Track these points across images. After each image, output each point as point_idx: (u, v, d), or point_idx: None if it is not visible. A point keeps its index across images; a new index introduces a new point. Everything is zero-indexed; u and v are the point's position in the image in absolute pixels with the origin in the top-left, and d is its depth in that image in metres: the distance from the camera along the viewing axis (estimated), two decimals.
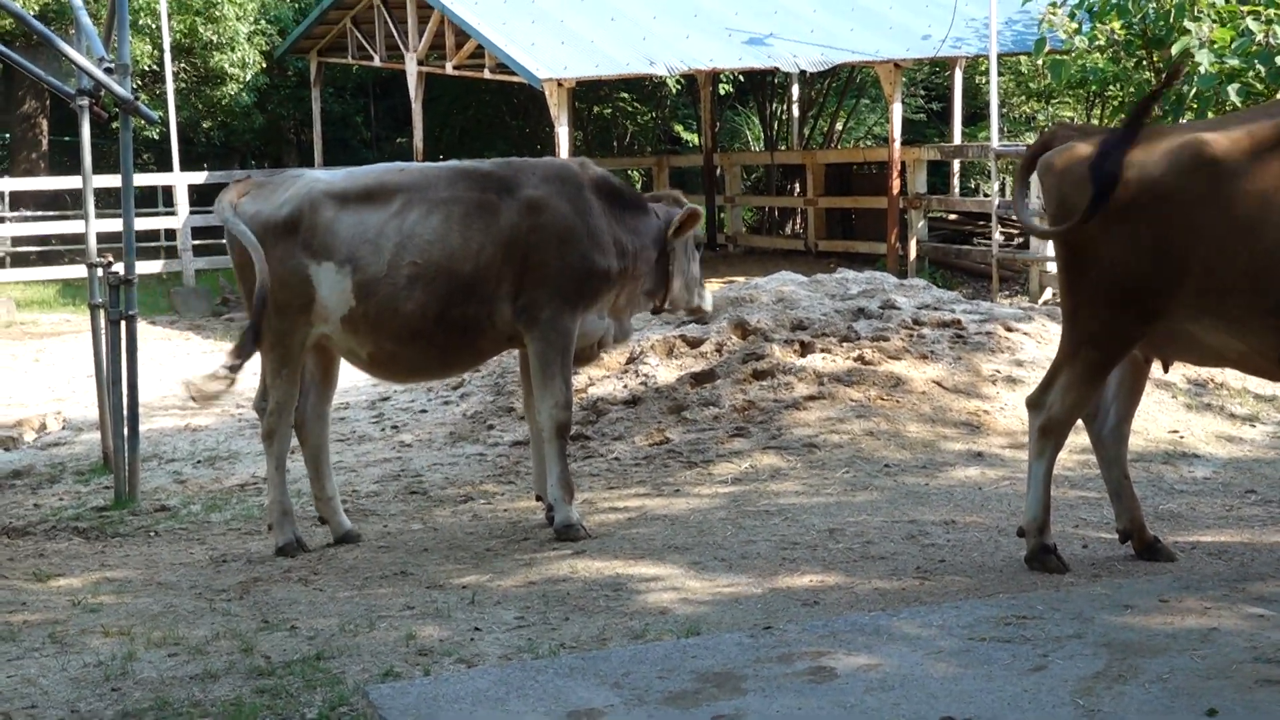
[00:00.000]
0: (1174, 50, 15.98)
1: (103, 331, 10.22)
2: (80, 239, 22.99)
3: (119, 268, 9.86)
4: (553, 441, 7.69)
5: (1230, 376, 10.51)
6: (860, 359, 10.35)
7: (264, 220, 7.65)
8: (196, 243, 23.05)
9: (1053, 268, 16.58)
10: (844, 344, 10.57)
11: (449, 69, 21.61)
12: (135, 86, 9.67)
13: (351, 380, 14.06)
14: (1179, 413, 10.06)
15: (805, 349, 10.52)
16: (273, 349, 7.77)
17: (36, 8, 22.84)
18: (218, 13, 24.72)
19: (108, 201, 21.31)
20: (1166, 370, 7.16)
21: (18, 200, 25.29)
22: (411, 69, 21.89)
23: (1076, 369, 6.66)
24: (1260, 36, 15.35)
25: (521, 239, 7.53)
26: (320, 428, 8.07)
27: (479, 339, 7.69)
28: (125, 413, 9.50)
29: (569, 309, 7.59)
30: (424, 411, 11.48)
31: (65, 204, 26.00)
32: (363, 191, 7.68)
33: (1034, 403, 6.80)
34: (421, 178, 7.73)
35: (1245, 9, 15.81)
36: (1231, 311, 6.37)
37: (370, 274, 7.50)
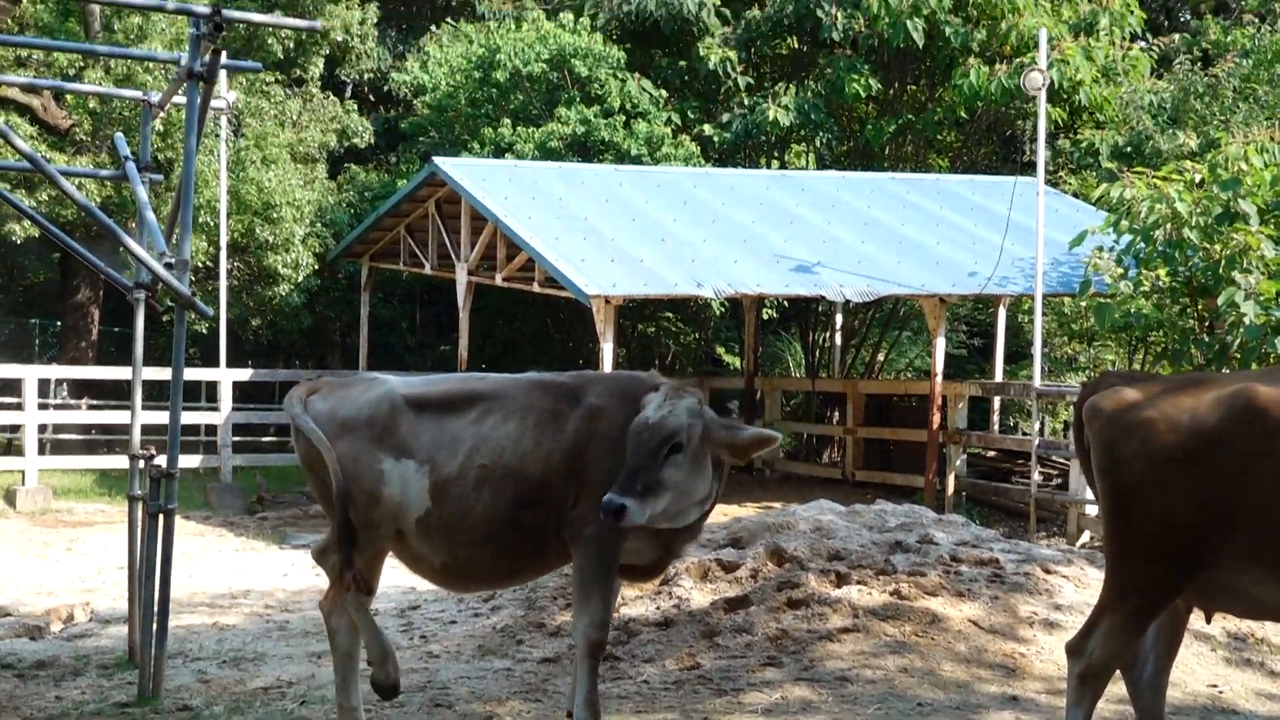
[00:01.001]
0: (1220, 300, 16.11)
1: (139, 524, 10.24)
2: (120, 429, 23.23)
3: (161, 460, 9.90)
4: (584, 660, 7.63)
5: (1271, 631, 10.36)
6: (896, 593, 10.26)
7: (341, 419, 7.75)
8: (237, 439, 23.21)
9: (1091, 510, 16.52)
10: (880, 577, 10.49)
11: (498, 280, 21.92)
12: (190, 282, 9.82)
13: (380, 585, 14.05)
14: (1218, 666, 9.90)
15: (841, 580, 10.44)
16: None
17: (98, 200, 23.32)
18: (276, 214, 25.18)
19: (151, 393, 21.51)
20: (1209, 621, 7.08)
21: (62, 388, 25.58)
22: (461, 278, 22.20)
23: (1119, 616, 6.59)
24: None
25: (581, 446, 7.58)
26: (355, 634, 8.05)
27: (547, 548, 7.68)
28: (155, 607, 9.47)
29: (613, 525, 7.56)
30: (453, 622, 11.40)
31: (109, 394, 26.24)
32: (443, 397, 7.81)
33: (1074, 648, 6.72)
34: (500, 386, 7.86)
35: None
36: None
37: (444, 474, 7.57)
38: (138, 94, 13.42)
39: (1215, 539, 6.38)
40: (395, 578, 14.52)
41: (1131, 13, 28.09)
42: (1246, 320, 15.69)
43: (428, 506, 7.63)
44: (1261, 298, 15.78)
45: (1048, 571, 10.93)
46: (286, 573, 15.06)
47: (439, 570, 7.84)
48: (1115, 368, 22.72)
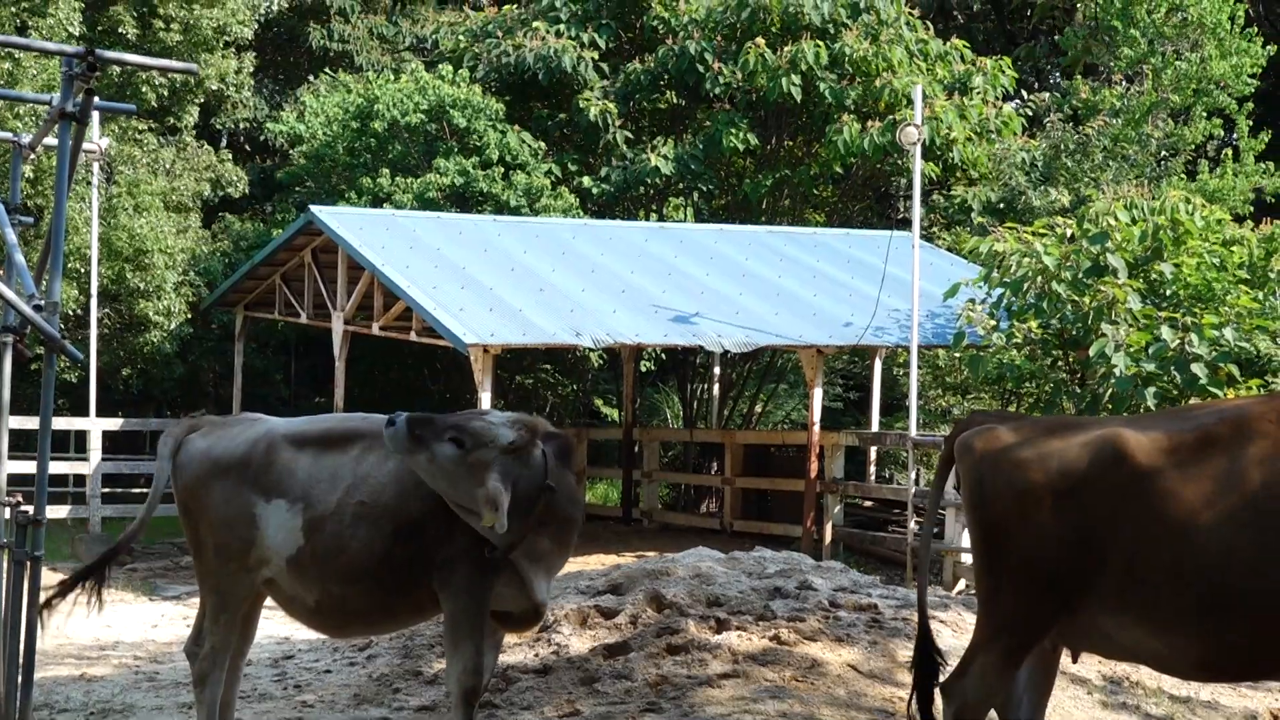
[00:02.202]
0: (1090, 352, 16.39)
1: (3, 573, 9.97)
2: None
3: (28, 508, 9.66)
4: (459, 708, 7.54)
5: (1146, 674, 10.48)
6: (776, 639, 10.26)
7: (215, 457, 7.63)
8: (106, 489, 22.77)
9: (967, 558, 16.66)
10: (760, 623, 10.49)
11: (375, 329, 21.75)
12: (60, 329, 9.62)
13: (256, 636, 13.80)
14: (1094, 710, 10.00)
15: (721, 626, 10.43)
16: (213, 592, 7.66)
17: None
18: (147, 261, 24.83)
19: (18, 445, 21.03)
20: (1075, 660, 7.15)
21: None
22: (338, 328, 22.00)
23: (992, 655, 6.63)
24: (1174, 344, 15.78)
25: None
26: (232, 681, 7.91)
27: (421, 588, 7.54)
28: (20, 659, 9.21)
29: (485, 572, 7.49)
30: (328, 671, 11.23)
31: None
32: (323, 434, 7.70)
33: (949, 689, 6.76)
34: (382, 425, 7.76)
35: (1162, 315, 16.27)
36: (1150, 613, 6.38)
37: (319, 511, 7.45)
38: (7, 134, 13.20)
39: (1082, 581, 6.45)
40: (269, 627, 14.31)
41: (1004, 73, 28.62)
42: (1117, 371, 15.96)
43: (300, 544, 7.51)
44: (1131, 349, 16.06)
45: None
46: (156, 624, 14.76)
47: (313, 610, 7.71)
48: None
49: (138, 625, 14.66)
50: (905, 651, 10.38)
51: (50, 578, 16.61)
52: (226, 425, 7.98)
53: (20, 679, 9.15)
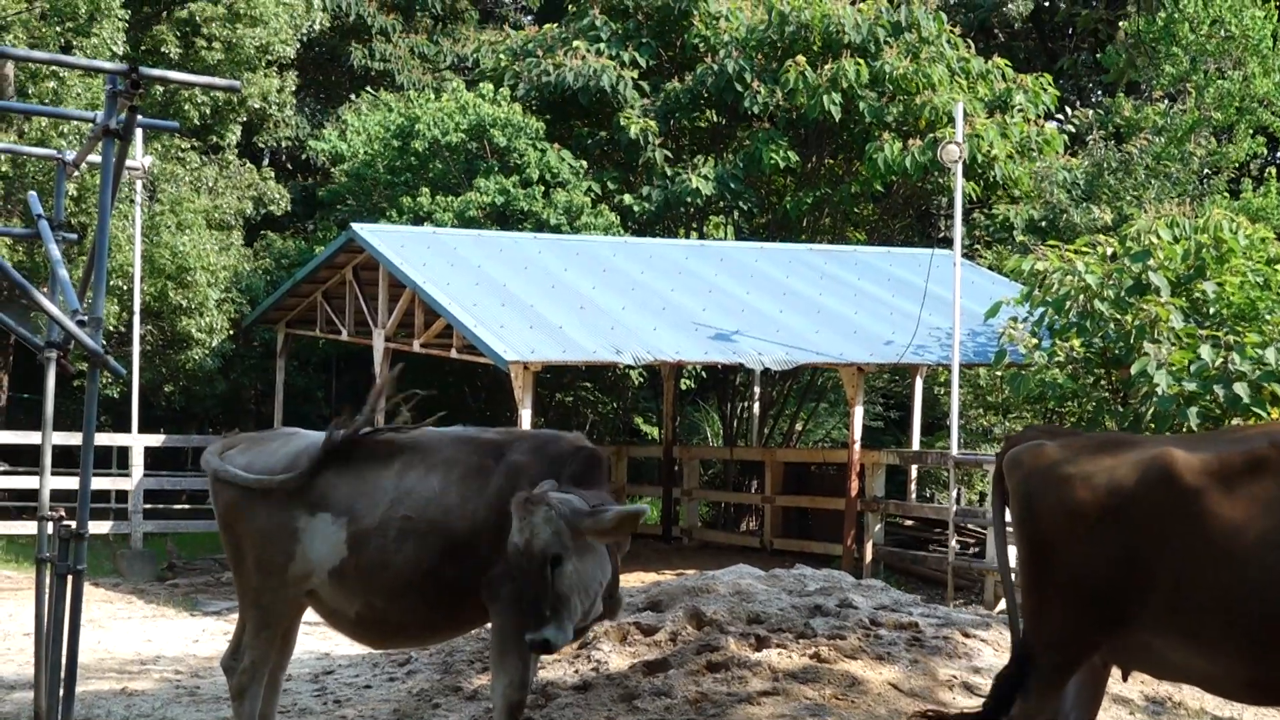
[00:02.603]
0: (1132, 371, 16.29)
1: (46, 586, 10.03)
2: (28, 495, 22.83)
3: (70, 521, 9.71)
4: (500, 717, 7.53)
5: (1189, 695, 10.40)
6: (816, 656, 10.22)
7: (257, 473, 7.66)
8: (148, 505, 22.89)
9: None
10: (800, 640, 10.45)
11: (416, 346, 21.79)
12: (103, 348, 9.68)
13: (295, 653, 13.84)
14: None
15: (761, 643, 10.39)
16: (254, 606, 7.67)
17: (9, 263, 23.01)
18: (190, 278, 24.97)
19: (61, 461, 21.15)
20: (1126, 678, 7.09)
21: None
22: (379, 345, 22.07)
23: (1038, 671, 6.58)
24: (1217, 363, 15.69)
25: (504, 503, 7.44)
26: (271, 695, 7.92)
27: (465, 605, 7.57)
28: (62, 672, 9.25)
29: None
30: (368, 687, 11.24)
31: (17, 461, 25.81)
32: (365, 449, 7.72)
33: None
34: (423, 439, 7.77)
35: (1204, 333, 16.17)
36: (1200, 634, 6.33)
37: (364, 525, 7.47)
38: (51, 152, 13.29)
39: (1130, 600, 6.40)
40: (310, 643, 14.36)
41: (1045, 90, 28.53)
42: (1159, 390, 15.87)
43: (344, 557, 7.53)
44: (1173, 368, 15.96)
45: (966, 635, 10.94)
46: (197, 639, 14.82)
47: (354, 622, 7.73)
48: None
49: (179, 640, 14.73)
50: (946, 670, 10.33)
51: (91, 592, 16.76)
52: (264, 441, 8.02)
53: (62, 692, 9.19)
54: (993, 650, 10.63)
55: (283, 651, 8.03)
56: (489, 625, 7.86)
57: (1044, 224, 26.72)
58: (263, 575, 7.66)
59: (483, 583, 7.48)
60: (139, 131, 19.73)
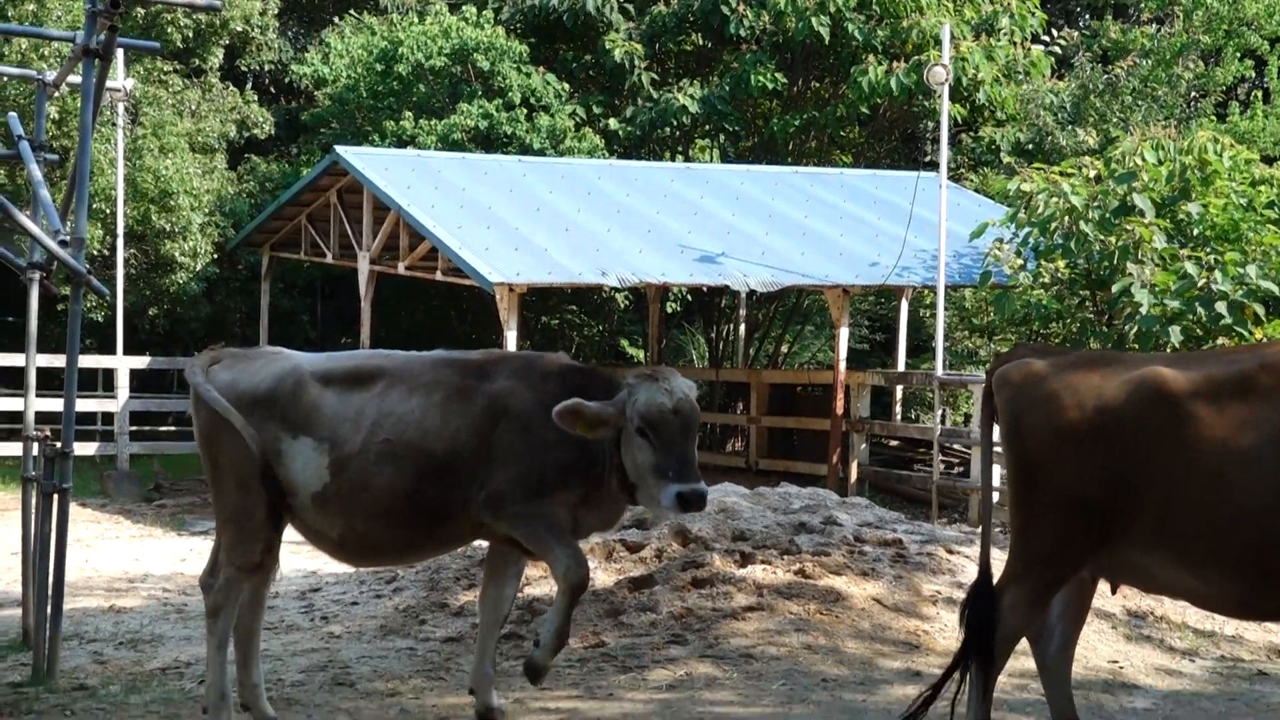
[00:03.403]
0: (1115, 290, 16.32)
1: (33, 505, 10.05)
2: (12, 418, 22.79)
3: (56, 442, 9.72)
4: (563, 595, 7.46)
5: (1170, 609, 10.49)
6: (801, 572, 10.29)
7: (240, 391, 7.63)
8: (134, 427, 22.90)
9: (993, 496, 16.64)
10: (785, 557, 10.51)
11: (401, 269, 21.74)
12: (86, 268, 9.64)
13: (281, 568, 13.88)
14: (1118, 643, 10.02)
15: (746, 560, 10.45)
16: (231, 524, 7.66)
17: None
18: (173, 202, 24.85)
19: (47, 384, 21.12)
20: (1114, 592, 7.12)
21: None
22: (364, 268, 22.01)
23: (1024, 588, 6.60)
24: (1200, 281, 15.71)
25: (489, 424, 7.49)
26: (256, 612, 7.93)
27: (446, 524, 7.59)
28: (49, 588, 9.28)
29: (534, 496, 7.50)
30: (355, 603, 11.29)
31: (2, 384, 25.78)
32: (348, 372, 7.70)
33: None
34: (406, 362, 7.76)
35: (1186, 253, 16.19)
36: (1189, 551, 6.35)
37: (345, 450, 7.46)
38: (31, 73, 13.20)
39: (1118, 518, 6.41)
40: (297, 561, 14.39)
41: (1032, 14, 28.36)
42: (1142, 310, 15.89)
43: (325, 481, 7.52)
44: (1157, 288, 15.98)
45: (950, 552, 11.02)
46: (185, 558, 14.86)
47: (336, 543, 7.73)
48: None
49: (166, 559, 14.77)
50: (929, 585, 10.41)
51: (78, 512, 16.78)
52: (249, 358, 7.96)
53: (50, 609, 9.24)
54: (976, 566, 10.67)
55: (269, 574, 8.03)
56: (474, 544, 7.90)
57: (1030, 146, 26.66)
58: (242, 494, 7.64)
59: (482, 505, 7.46)
60: (120, 53, 19.61)
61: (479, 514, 7.49)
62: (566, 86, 27.42)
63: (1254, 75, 30.52)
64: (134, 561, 14.55)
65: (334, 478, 7.52)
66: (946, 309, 20.36)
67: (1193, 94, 28.19)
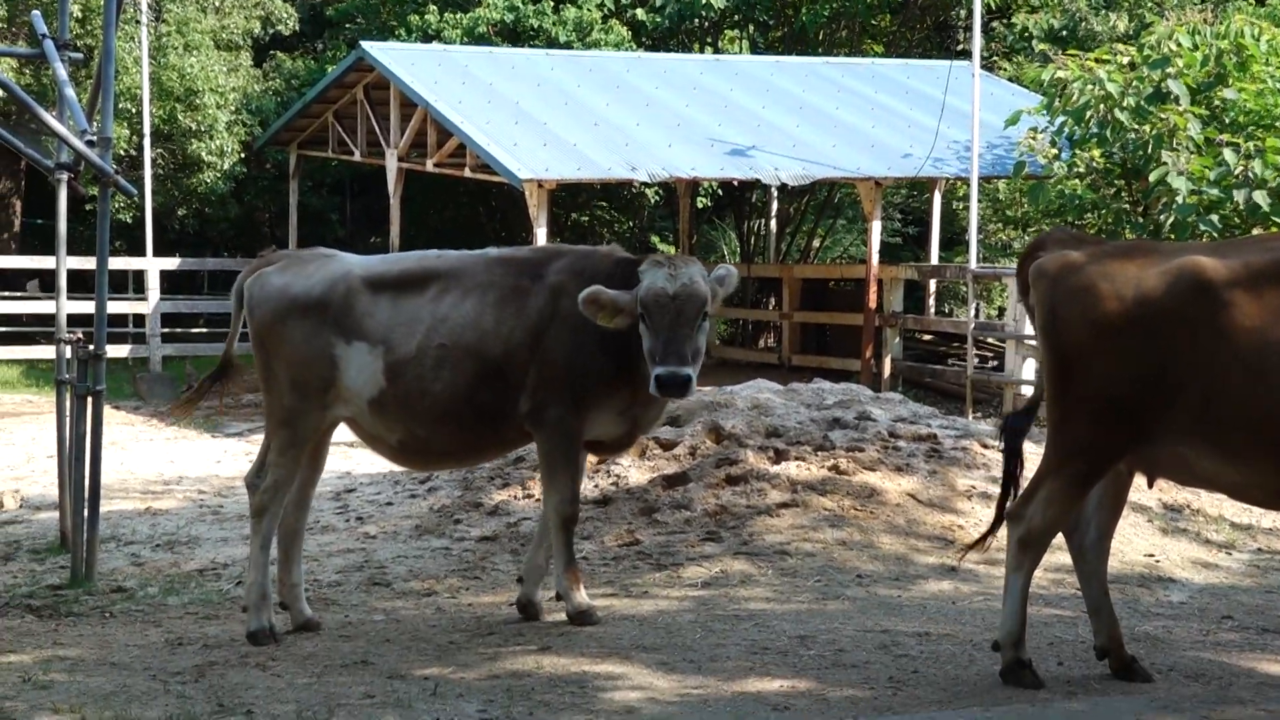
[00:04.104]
0: (1151, 179, 16.14)
1: (67, 408, 10.10)
2: (47, 320, 22.91)
3: (89, 345, 9.75)
4: (557, 534, 7.65)
5: (1207, 502, 10.48)
6: (834, 468, 10.29)
7: (293, 295, 7.63)
8: (165, 330, 22.99)
9: (1027, 391, 16.61)
10: (818, 453, 10.51)
11: (429, 166, 21.67)
12: (113, 168, 9.62)
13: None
14: (1154, 536, 10.01)
15: (779, 456, 10.45)
16: (283, 427, 7.68)
17: (18, 85, 22.80)
18: (199, 100, 24.77)
19: (78, 285, 21.18)
20: (1151, 486, 7.10)
21: None
22: (392, 165, 21.93)
23: (1060, 481, 6.57)
24: (1238, 169, 15.53)
25: (543, 324, 7.51)
26: (300, 512, 7.97)
27: (506, 426, 7.64)
28: (86, 491, 9.35)
29: (573, 407, 7.52)
30: (390, 504, 11.35)
31: (36, 285, 25.89)
32: (401, 275, 7.69)
33: (1014, 514, 6.73)
34: (459, 263, 7.73)
35: (1224, 139, 15.98)
36: (1229, 443, 6.31)
37: (400, 355, 7.47)
38: None
39: (1157, 411, 6.35)
40: (331, 462, 14.47)
41: None
42: (1179, 199, 15.72)
43: (382, 387, 7.55)
44: (1193, 176, 15.80)
45: (985, 446, 11.00)
46: (220, 460, 14.96)
47: (396, 448, 7.78)
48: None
49: (201, 461, 14.87)
50: (964, 480, 10.40)
51: (111, 415, 16.88)
52: (303, 262, 7.93)
53: (87, 511, 9.32)
54: None
55: (314, 467, 8.06)
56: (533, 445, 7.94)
57: (1063, 33, 26.27)
58: (296, 397, 7.64)
59: (526, 407, 7.50)
60: None
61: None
62: None
63: None
64: (169, 464, 14.65)
65: (390, 383, 7.54)
66: (980, 201, 20.21)
67: None
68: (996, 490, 10.12)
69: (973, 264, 19.13)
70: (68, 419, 10.07)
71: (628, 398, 7.62)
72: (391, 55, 21.74)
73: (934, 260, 22.33)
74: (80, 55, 12.05)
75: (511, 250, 8.09)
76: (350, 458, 13.62)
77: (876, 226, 20.54)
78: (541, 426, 7.55)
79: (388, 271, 7.82)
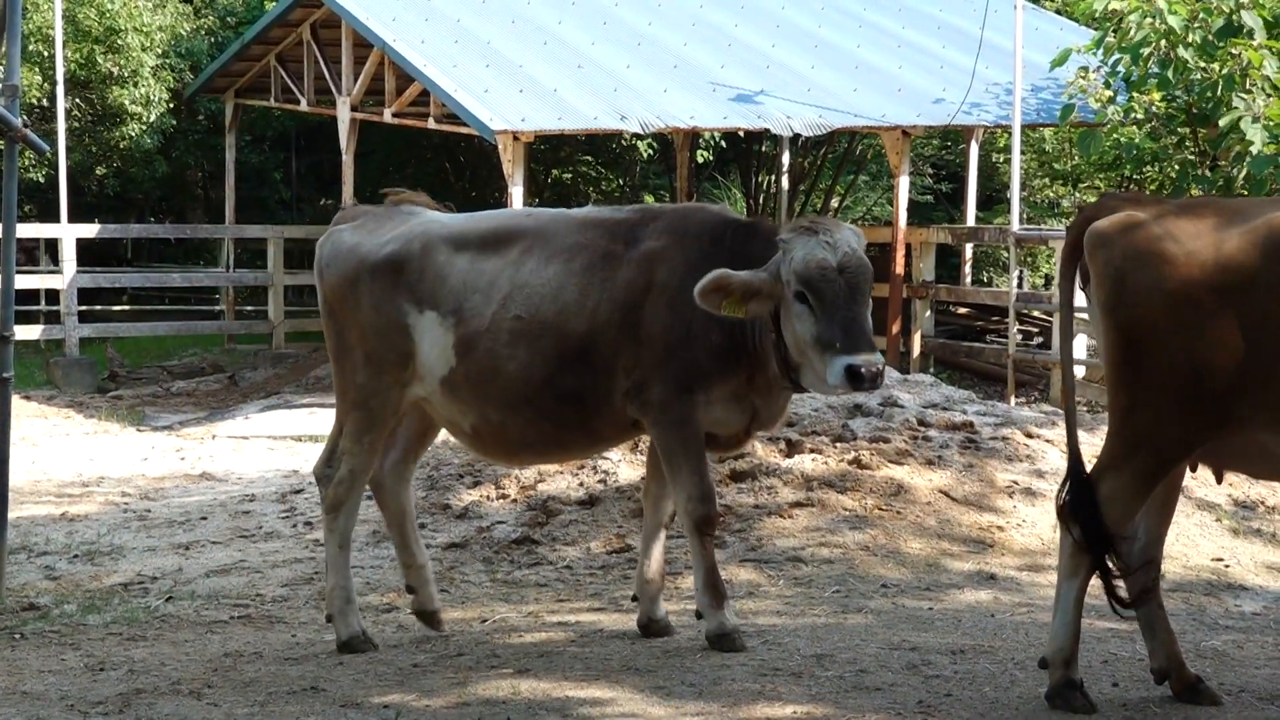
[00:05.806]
0: (1220, 126, 16.16)
1: None
2: None
3: None
4: (693, 538, 7.51)
5: None
6: (856, 462, 10.32)
7: (363, 255, 7.64)
8: (83, 307, 22.96)
9: (1079, 370, 16.65)
10: (837, 444, 10.55)
11: (387, 116, 21.65)
12: (21, 120, 9.63)
13: (257, 469, 14.01)
14: (1223, 538, 10.06)
15: (792, 448, 10.49)
16: (357, 408, 7.68)
17: None
18: (120, 41, 24.72)
19: None
20: (1220, 481, 7.11)
21: None
22: (344, 114, 21.94)
23: (1123, 478, 6.54)
24: None
25: (636, 298, 7.36)
26: (403, 490, 8.01)
27: (595, 417, 7.52)
28: None
29: (683, 390, 7.37)
30: None
31: None
32: (483, 235, 7.64)
33: (1070, 515, 6.72)
34: (548, 222, 7.70)
35: None
36: None
37: (472, 327, 7.45)
38: None
39: (1244, 392, 6.33)
40: (274, 459, 14.54)
41: None
42: (1253, 149, 15.74)
43: (452, 365, 7.48)
44: (1270, 123, 15.81)
45: (1029, 436, 11.04)
46: (146, 457, 15.00)
47: (471, 436, 7.69)
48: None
49: (125, 459, 14.90)
50: (1005, 474, 10.44)
51: (21, 406, 16.92)
52: (384, 218, 7.95)
53: None
54: (1059, 452, 10.71)
55: (419, 443, 8.12)
56: (645, 438, 7.85)
57: None
58: (372, 372, 7.62)
59: (627, 395, 7.41)
60: None
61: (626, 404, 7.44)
62: None
63: None
64: (88, 462, 14.69)
65: (460, 360, 7.48)
66: (1023, 152, 20.25)
67: None
68: (1042, 485, 10.20)
69: (1015, 225, 19.15)
70: None
71: (744, 382, 7.42)
72: None
73: (970, 221, 22.36)
74: None
75: (611, 209, 7.93)
76: (298, 454, 13.66)
77: (904, 183, 20.58)
78: (649, 413, 7.38)
79: (470, 229, 7.76)
